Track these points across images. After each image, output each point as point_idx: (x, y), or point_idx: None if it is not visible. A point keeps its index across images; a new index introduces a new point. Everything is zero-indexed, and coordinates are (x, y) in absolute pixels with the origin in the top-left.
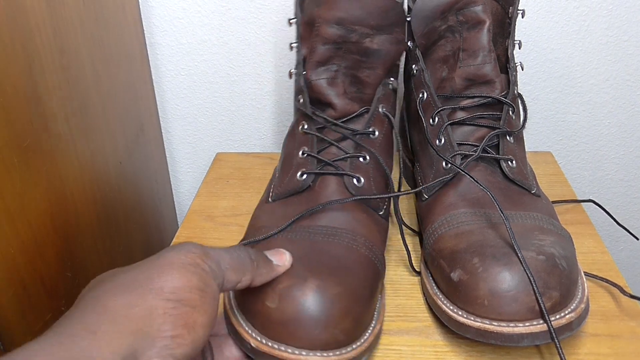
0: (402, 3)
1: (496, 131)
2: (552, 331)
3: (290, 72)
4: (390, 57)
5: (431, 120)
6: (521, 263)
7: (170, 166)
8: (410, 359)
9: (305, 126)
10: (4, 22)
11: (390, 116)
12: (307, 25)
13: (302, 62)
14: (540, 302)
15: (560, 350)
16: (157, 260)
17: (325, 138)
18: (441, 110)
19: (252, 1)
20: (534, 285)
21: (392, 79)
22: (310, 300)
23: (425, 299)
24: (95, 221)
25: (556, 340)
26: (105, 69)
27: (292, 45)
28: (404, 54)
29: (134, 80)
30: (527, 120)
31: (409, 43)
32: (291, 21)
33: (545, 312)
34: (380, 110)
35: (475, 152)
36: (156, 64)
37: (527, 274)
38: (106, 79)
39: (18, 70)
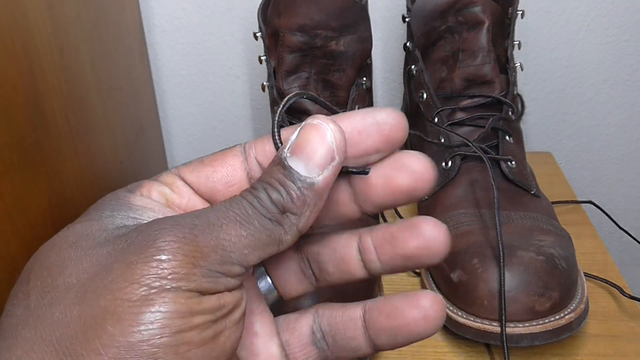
0: (362, 0)
1: (496, 116)
2: (504, 335)
3: (263, 85)
4: (358, 56)
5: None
6: (500, 262)
7: (170, 166)
8: (410, 359)
9: None
10: (3, 21)
11: None
12: (271, 36)
13: (273, 74)
14: (503, 305)
15: (506, 352)
16: (99, 289)
17: None
18: (441, 110)
19: (251, 1)
20: (502, 287)
21: (364, 78)
22: None
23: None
24: None
25: (505, 345)
26: (105, 69)
27: (260, 58)
28: (406, 53)
29: (134, 80)
30: (527, 121)
31: (408, 43)
32: (257, 35)
33: (504, 317)
34: None
35: (475, 152)
36: (156, 63)
37: (501, 274)
38: (106, 78)
39: (18, 70)
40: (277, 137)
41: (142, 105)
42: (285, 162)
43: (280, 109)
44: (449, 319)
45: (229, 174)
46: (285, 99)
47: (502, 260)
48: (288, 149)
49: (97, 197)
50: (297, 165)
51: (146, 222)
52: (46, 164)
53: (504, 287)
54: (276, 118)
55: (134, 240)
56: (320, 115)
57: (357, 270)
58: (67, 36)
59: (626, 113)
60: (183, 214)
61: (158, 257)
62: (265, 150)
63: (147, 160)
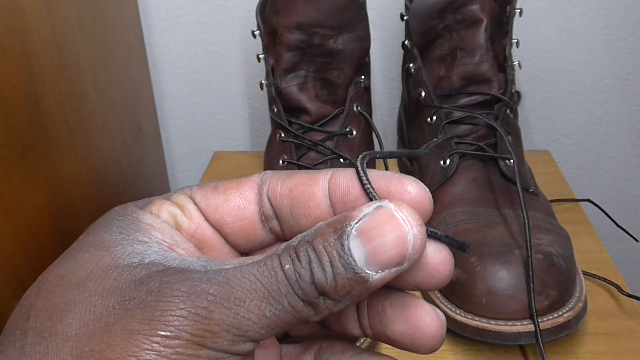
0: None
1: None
2: (538, 332)
3: (261, 83)
4: (356, 55)
5: (429, 119)
6: (530, 262)
7: (169, 165)
8: (410, 359)
9: (282, 134)
10: (2, 21)
11: (366, 115)
12: (270, 35)
13: (271, 72)
14: (532, 302)
15: (542, 350)
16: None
17: (303, 144)
18: (439, 108)
19: None
20: (532, 284)
21: (362, 76)
22: None
23: (423, 297)
24: (94, 220)
25: (540, 342)
26: (103, 68)
27: (259, 56)
28: (408, 51)
29: (132, 79)
30: (526, 120)
31: (406, 42)
32: (255, 33)
33: (535, 313)
34: (354, 109)
35: (474, 150)
36: (154, 62)
37: (530, 272)
38: (104, 78)
39: (16, 69)
40: (367, 185)
41: (141, 104)
42: (346, 242)
43: (360, 163)
44: (447, 317)
45: (240, 207)
46: (361, 156)
47: (530, 257)
48: (356, 224)
49: (95, 196)
50: (357, 251)
51: (156, 268)
52: (44, 163)
53: (533, 283)
54: (359, 167)
55: (142, 302)
56: (406, 207)
57: (354, 329)
58: (66, 36)
59: (624, 111)
60: (202, 272)
61: (163, 333)
62: (276, 191)
63: (145, 159)
